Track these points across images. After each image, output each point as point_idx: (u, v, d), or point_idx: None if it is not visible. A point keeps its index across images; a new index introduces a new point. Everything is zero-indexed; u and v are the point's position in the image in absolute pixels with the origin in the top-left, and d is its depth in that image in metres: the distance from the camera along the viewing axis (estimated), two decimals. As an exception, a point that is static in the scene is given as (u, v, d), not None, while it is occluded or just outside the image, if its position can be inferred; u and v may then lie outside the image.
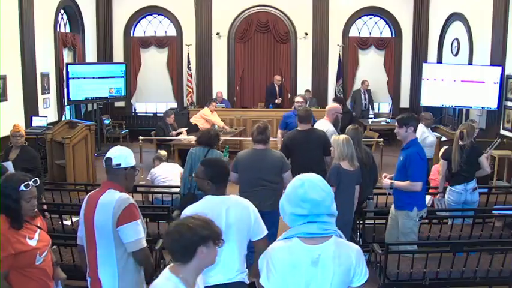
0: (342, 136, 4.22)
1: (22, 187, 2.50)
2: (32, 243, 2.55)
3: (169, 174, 5.85)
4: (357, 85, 11.57)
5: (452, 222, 4.74)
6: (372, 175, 4.78)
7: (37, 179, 2.61)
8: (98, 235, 2.57)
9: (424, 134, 6.31)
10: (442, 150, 5.45)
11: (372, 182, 4.82)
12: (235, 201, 2.75)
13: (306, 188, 1.88)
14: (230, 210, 2.65)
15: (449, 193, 4.91)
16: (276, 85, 10.83)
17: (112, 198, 2.55)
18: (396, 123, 4.19)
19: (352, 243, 1.99)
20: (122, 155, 2.65)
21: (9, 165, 4.90)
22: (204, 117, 9.00)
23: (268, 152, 4.22)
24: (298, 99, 6.25)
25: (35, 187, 2.56)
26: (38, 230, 2.63)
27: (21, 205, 2.51)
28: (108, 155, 2.66)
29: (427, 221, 4.61)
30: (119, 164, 2.63)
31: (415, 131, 4.13)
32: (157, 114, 11.79)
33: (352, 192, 4.23)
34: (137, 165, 2.77)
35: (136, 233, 2.54)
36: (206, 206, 2.63)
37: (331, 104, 6.05)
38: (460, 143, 4.83)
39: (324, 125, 5.26)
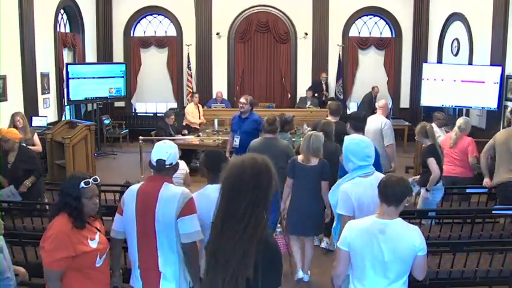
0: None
1: (82, 184, 2.50)
2: (93, 244, 2.54)
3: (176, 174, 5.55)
4: (357, 85, 11.61)
5: (453, 222, 4.73)
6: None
7: (97, 177, 2.61)
8: (159, 227, 2.63)
9: (436, 134, 6.28)
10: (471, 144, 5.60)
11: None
12: None
13: (370, 148, 3.01)
14: None
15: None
16: (322, 81, 11.21)
17: (175, 192, 2.66)
18: None
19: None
20: (172, 155, 2.78)
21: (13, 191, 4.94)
22: (186, 117, 9.40)
23: (277, 141, 4.84)
24: (241, 100, 6.13)
25: (95, 185, 2.56)
26: (98, 232, 2.63)
27: (82, 203, 2.50)
28: (159, 156, 2.75)
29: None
30: (171, 163, 2.77)
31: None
32: (157, 114, 11.78)
33: (314, 188, 4.22)
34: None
35: (195, 225, 2.65)
36: (204, 193, 2.93)
37: (383, 100, 6.25)
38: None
39: (380, 119, 5.69)
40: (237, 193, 1.75)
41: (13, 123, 6.63)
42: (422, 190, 4.96)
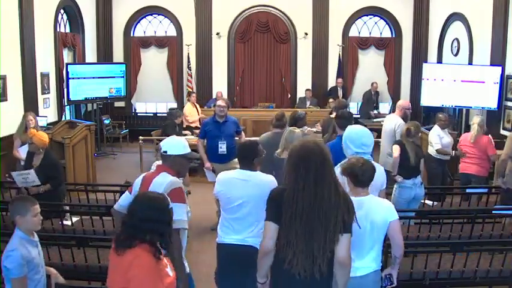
0: None
1: (171, 204, 2.30)
2: (170, 272, 2.28)
3: None
4: (357, 85, 11.60)
5: (453, 222, 4.74)
6: None
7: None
8: None
9: (440, 135, 6.22)
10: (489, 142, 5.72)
11: None
12: (259, 177, 3.23)
13: (367, 138, 3.28)
14: (249, 183, 3.17)
15: None
16: (338, 87, 10.98)
17: (164, 180, 2.86)
18: None
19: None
20: (168, 144, 3.01)
21: (32, 174, 4.88)
22: (186, 118, 9.38)
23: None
24: (220, 103, 5.74)
25: None
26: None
27: (171, 227, 2.28)
28: (161, 143, 3.07)
29: (427, 220, 4.62)
30: (166, 152, 2.99)
31: None
32: (157, 114, 11.81)
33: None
34: (191, 155, 3.05)
35: (178, 214, 2.70)
36: (232, 175, 3.30)
37: (400, 101, 6.38)
38: None
39: (395, 119, 5.86)
40: (324, 164, 2.36)
41: (25, 123, 6.47)
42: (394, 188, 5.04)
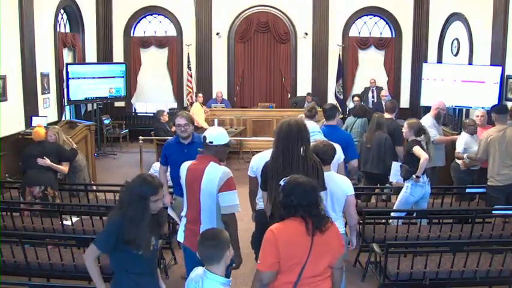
0: None
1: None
2: None
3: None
4: (357, 85, 11.64)
5: (453, 222, 4.74)
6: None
7: None
8: (203, 197, 3.11)
9: (467, 143, 5.67)
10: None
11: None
12: None
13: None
14: None
15: None
16: (383, 101, 9.58)
17: (218, 170, 3.10)
18: None
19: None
20: (213, 135, 3.21)
21: None
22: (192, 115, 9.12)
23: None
24: (179, 121, 4.17)
25: None
26: None
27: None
28: (204, 133, 3.26)
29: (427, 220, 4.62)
30: (212, 142, 3.18)
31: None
32: (158, 114, 11.80)
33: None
34: (230, 142, 3.30)
35: (232, 199, 3.07)
36: (264, 154, 3.62)
37: (435, 101, 6.46)
38: None
39: (425, 117, 6.24)
40: (289, 139, 2.97)
41: None
42: (405, 185, 4.82)
